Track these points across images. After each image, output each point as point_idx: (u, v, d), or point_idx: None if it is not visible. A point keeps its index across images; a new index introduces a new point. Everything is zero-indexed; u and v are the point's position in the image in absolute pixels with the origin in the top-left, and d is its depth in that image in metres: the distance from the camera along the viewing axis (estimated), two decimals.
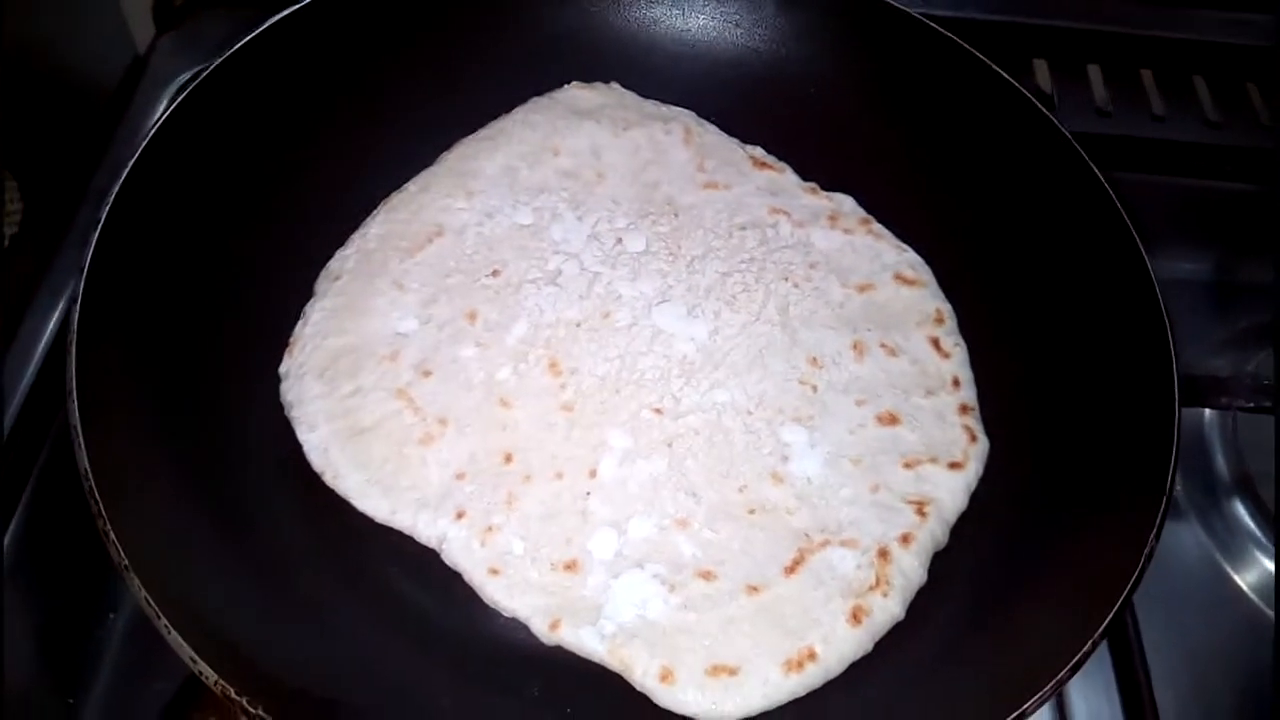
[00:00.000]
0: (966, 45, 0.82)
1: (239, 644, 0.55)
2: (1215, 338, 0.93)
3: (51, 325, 0.82)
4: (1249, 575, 0.80)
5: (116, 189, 0.67)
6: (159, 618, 0.52)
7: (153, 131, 0.70)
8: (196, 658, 0.51)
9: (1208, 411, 0.89)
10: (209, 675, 0.51)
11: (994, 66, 0.81)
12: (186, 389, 0.68)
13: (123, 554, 0.54)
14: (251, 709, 0.50)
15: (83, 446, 0.57)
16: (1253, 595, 0.80)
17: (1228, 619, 0.79)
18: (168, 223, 0.71)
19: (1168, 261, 0.73)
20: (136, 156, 0.69)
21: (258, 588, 0.61)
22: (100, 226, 0.66)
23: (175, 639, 0.52)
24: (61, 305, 0.83)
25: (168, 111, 0.72)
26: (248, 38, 0.77)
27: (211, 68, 0.75)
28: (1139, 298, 0.71)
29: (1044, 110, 0.79)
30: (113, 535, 0.55)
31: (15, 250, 0.94)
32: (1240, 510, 0.83)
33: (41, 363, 0.81)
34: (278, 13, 0.79)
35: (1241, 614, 0.79)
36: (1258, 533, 0.81)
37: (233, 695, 0.51)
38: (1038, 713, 0.71)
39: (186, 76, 0.98)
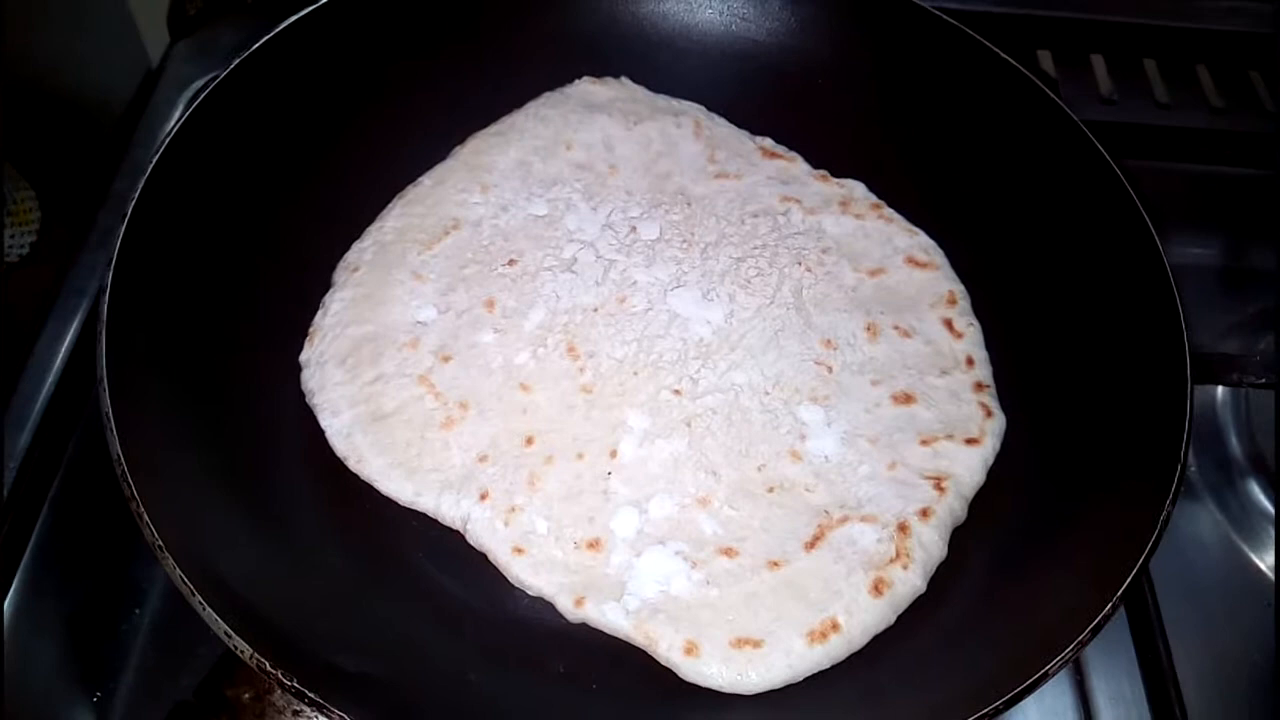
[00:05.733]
0: (973, 33, 0.83)
1: (271, 620, 0.56)
2: (1223, 322, 0.94)
3: (76, 323, 0.84)
4: (1266, 554, 0.81)
5: (141, 186, 0.68)
6: (193, 594, 0.53)
7: (172, 134, 0.71)
8: (231, 633, 0.52)
9: (1219, 393, 0.89)
10: (244, 650, 0.52)
11: (1001, 53, 0.82)
12: (211, 378, 0.68)
13: (156, 535, 0.55)
14: (286, 681, 0.51)
15: (114, 431, 0.58)
16: (1269, 573, 0.80)
17: (1245, 597, 0.79)
18: (190, 217, 0.72)
19: (1175, 247, 0.74)
20: (158, 157, 0.70)
21: (287, 567, 0.61)
22: (126, 221, 0.67)
23: (210, 615, 0.53)
24: (85, 304, 0.85)
25: (186, 114, 0.73)
26: (260, 42, 0.78)
27: (226, 72, 0.76)
28: (1149, 273, 0.72)
29: (1051, 95, 0.80)
30: (146, 517, 0.55)
31: (37, 254, 0.95)
32: (1255, 489, 0.83)
33: (66, 362, 0.82)
34: (289, 18, 0.80)
35: (1259, 591, 0.79)
36: (1272, 511, 0.81)
37: (268, 668, 0.51)
38: (1060, 695, 0.73)
39: (201, 83, 0.99)
